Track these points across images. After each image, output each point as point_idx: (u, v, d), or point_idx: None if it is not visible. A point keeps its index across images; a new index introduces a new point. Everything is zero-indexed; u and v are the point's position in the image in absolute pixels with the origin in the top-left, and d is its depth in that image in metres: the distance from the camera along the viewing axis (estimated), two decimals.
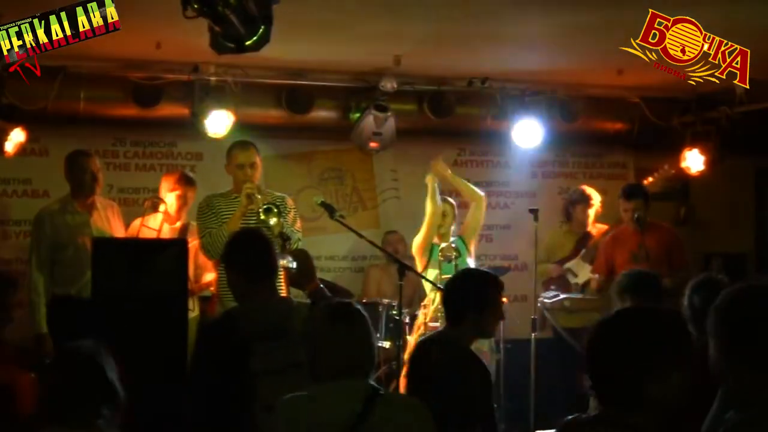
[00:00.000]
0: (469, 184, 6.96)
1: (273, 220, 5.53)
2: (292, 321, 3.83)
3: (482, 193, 6.91)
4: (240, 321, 3.88)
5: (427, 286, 6.50)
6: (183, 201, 6.51)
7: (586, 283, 7.08)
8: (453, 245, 6.51)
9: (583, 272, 7.14)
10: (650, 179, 7.32)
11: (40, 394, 3.13)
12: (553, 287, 7.08)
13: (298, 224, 5.87)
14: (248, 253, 4.02)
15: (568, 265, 7.23)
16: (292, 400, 3.12)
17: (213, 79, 6.83)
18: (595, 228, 7.36)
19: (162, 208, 6.40)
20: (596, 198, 7.38)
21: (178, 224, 6.50)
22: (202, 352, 3.97)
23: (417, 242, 6.70)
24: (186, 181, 6.57)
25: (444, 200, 6.78)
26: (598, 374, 2.46)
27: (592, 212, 7.34)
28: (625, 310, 2.52)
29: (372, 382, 3.18)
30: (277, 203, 5.67)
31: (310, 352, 3.19)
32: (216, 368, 3.79)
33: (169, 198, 6.48)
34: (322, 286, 4.35)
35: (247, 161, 5.82)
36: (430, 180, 6.70)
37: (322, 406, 3.05)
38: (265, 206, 5.57)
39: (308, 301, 4.11)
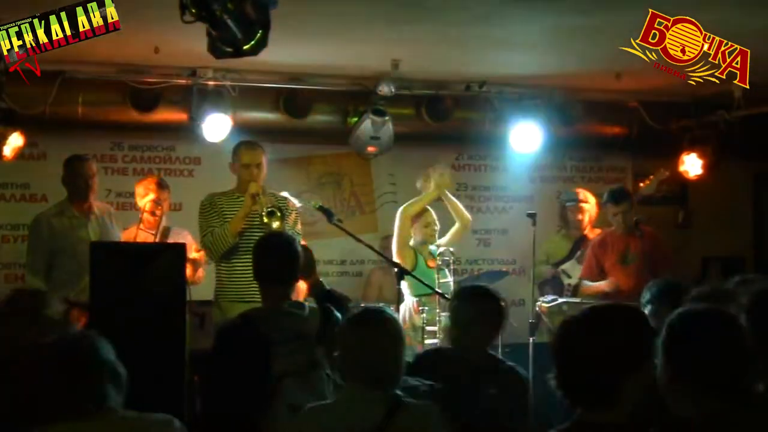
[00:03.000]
0: (460, 205, 6.81)
1: (275, 224, 5.54)
2: (308, 323, 3.97)
3: (469, 217, 6.81)
4: (260, 324, 3.96)
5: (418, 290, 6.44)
6: (158, 204, 6.39)
7: (578, 285, 7.09)
8: (451, 249, 6.49)
9: (576, 274, 7.14)
10: (647, 182, 7.31)
11: (33, 393, 3.01)
12: (547, 288, 7.08)
13: (299, 226, 5.87)
14: (263, 259, 4.21)
15: (563, 266, 7.23)
16: (313, 409, 3.22)
17: (211, 83, 6.83)
18: (592, 232, 7.33)
19: (158, 212, 6.33)
20: (590, 199, 7.34)
21: (159, 229, 6.43)
22: (225, 354, 3.99)
23: (394, 252, 6.52)
24: (159, 186, 6.47)
25: (425, 210, 6.60)
26: (570, 373, 2.46)
27: (585, 214, 7.30)
28: (589, 309, 2.55)
29: (397, 392, 3.19)
30: (280, 205, 5.68)
31: (338, 354, 3.25)
32: (239, 370, 3.87)
33: (145, 202, 6.38)
34: (321, 280, 4.45)
35: (253, 161, 5.80)
36: (438, 188, 6.57)
37: (344, 415, 3.10)
38: (268, 209, 5.58)
39: (315, 305, 4.18)
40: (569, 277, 7.15)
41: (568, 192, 7.59)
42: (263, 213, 5.56)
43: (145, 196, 6.43)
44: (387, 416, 3.05)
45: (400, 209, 6.57)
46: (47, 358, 2.99)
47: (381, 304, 6.66)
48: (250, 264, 5.39)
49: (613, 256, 6.74)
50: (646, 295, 4.37)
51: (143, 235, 6.29)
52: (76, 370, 2.94)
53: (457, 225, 6.71)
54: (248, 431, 3.82)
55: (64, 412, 2.91)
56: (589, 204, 7.32)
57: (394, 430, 3.03)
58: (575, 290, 7.06)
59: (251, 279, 5.55)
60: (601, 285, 6.84)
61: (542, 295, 7.02)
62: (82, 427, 2.90)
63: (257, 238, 5.45)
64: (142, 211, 6.38)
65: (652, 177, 7.33)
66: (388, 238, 7.52)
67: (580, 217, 7.30)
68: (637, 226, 6.61)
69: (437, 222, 6.58)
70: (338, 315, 4.12)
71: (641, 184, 7.35)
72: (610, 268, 6.77)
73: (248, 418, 3.78)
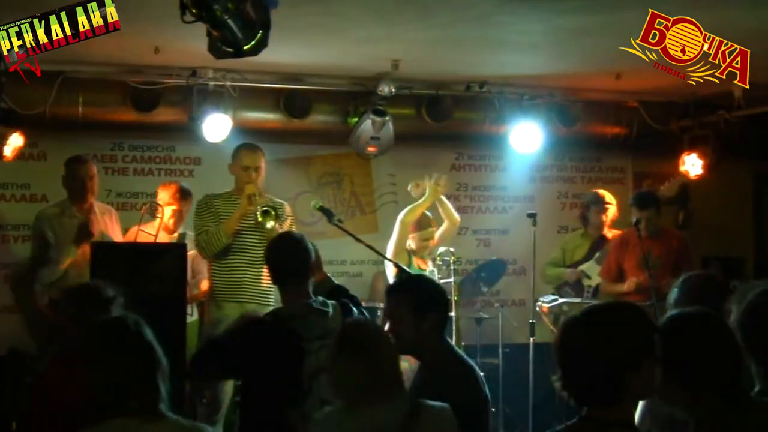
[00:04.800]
0: (452, 208, 6.86)
1: (270, 224, 5.58)
2: (333, 320, 4.05)
3: (458, 218, 6.87)
4: (292, 322, 4.01)
5: None
6: (180, 216, 6.49)
7: (599, 286, 7.05)
8: (451, 250, 6.49)
9: (595, 275, 7.11)
10: (666, 184, 7.32)
11: (91, 383, 2.85)
12: (566, 288, 7.06)
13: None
14: (279, 262, 4.22)
15: (582, 267, 7.20)
16: (327, 414, 3.21)
17: (211, 83, 6.83)
18: (611, 232, 7.29)
19: (159, 213, 6.38)
20: (611, 201, 7.32)
21: (176, 235, 6.49)
22: (259, 351, 3.99)
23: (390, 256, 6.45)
24: (183, 196, 6.51)
25: (429, 224, 6.63)
26: (574, 373, 2.48)
27: (607, 215, 7.27)
28: (590, 308, 2.57)
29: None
30: (276, 208, 5.72)
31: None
32: (275, 367, 3.92)
33: (166, 211, 6.44)
34: (329, 276, 4.51)
35: (253, 164, 5.86)
36: (434, 194, 6.58)
37: (363, 416, 3.07)
38: (263, 208, 5.62)
39: (334, 302, 4.23)
40: (589, 278, 7.13)
41: (591, 193, 7.54)
42: (258, 212, 5.61)
43: (167, 204, 6.45)
44: (408, 418, 3.04)
45: (400, 217, 6.59)
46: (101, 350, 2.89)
47: (382, 305, 6.74)
48: (243, 263, 5.60)
49: (633, 258, 6.67)
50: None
51: (143, 236, 6.30)
52: (132, 366, 2.86)
53: (445, 224, 6.75)
54: (284, 428, 3.86)
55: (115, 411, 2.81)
56: (613, 205, 7.33)
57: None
58: (596, 292, 7.03)
59: (243, 278, 5.68)
60: (623, 286, 6.77)
61: (561, 295, 7.00)
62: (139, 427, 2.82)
63: (251, 238, 5.55)
64: (159, 208, 6.43)
65: (672, 179, 7.34)
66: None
67: (604, 218, 7.28)
68: (636, 226, 6.58)
69: (435, 236, 6.61)
70: (355, 310, 4.24)
71: (662, 186, 7.33)
72: (631, 269, 6.70)
73: (286, 413, 3.84)
